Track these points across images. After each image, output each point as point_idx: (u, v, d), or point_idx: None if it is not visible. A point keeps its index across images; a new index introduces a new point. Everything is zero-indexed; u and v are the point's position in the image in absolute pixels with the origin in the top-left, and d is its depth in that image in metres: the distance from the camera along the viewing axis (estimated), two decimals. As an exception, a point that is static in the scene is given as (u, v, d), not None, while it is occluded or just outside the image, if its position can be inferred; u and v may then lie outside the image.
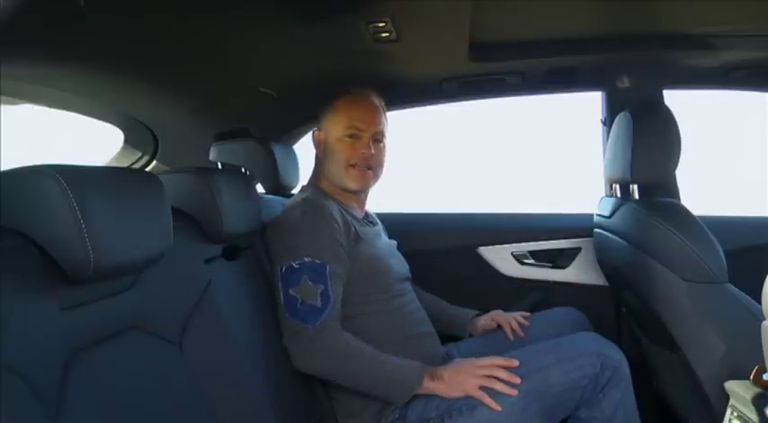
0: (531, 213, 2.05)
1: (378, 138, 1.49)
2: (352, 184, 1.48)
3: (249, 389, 1.07)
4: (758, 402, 1.02)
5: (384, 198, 1.83)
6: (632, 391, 1.30)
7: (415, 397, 1.29)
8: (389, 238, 1.66)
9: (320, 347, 1.28)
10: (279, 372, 1.25)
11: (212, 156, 1.72)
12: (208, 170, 1.24)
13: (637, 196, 1.62)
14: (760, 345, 0.95)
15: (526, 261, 1.94)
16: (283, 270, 1.32)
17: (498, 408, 1.22)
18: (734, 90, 1.87)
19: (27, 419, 0.61)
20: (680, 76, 1.80)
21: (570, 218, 2.00)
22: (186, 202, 1.15)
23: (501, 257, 1.95)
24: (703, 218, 1.35)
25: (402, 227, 1.80)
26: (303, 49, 1.39)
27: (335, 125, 1.48)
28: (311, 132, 1.56)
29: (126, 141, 1.74)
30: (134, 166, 1.78)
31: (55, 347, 0.69)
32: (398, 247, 1.63)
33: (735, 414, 1.09)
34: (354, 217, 1.48)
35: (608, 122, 1.81)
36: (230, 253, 1.28)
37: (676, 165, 1.47)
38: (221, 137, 1.73)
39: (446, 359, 1.42)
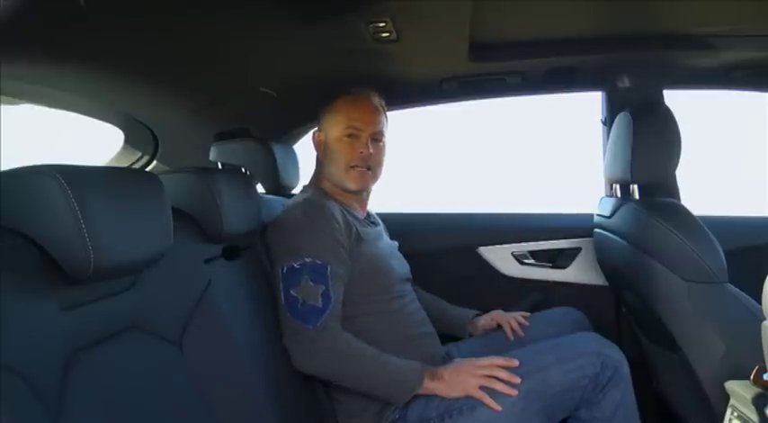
0: (531, 213, 2.05)
1: (377, 137, 1.49)
2: (351, 185, 1.48)
3: (249, 389, 1.07)
4: (758, 402, 1.02)
5: (384, 198, 1.83)
6: (632, 391, 1.30)
7: (416, 397, 1.29)
8: (391, 238, 1.66)
9: (321, 348, 1.28)
10: (279, 372, 1.25)
11: (212, 156, 1.72)
12: (208, 170, 1.24)
13: (637, 196, 1.62)
14: (760, 345, 0.95)
15: (526, 261, 1.94)
16: (284, 270, 1.32)
17: (498, 407, 1.22)
18: (734, 90, 1.87)
19: (27, 419, 0.61)
20: (680, 76, 1.80)
21: (570, 218, 2.00)
22: (186, 202, 1.15)
23: (501, 257, 1.95)
24: (703, 218, 1.35)
25: (402, 227, 1.80)
26: (303, 49, 1.39)
27: (334, 125, 1.48)
28: (311, 133, 1.56)
29: (126, 141, 1.74)
30: (134, 166, 1.78)
31: (55, 347, 0.69)
32: (399, 248, 1.63)
33: (735, 414, 1.09)
34: (356, 217, 1.48)
35: (608, 122, 1.81)
36: (230, 253, 1.28)
37: (676, 165, 1.47)
38: (221, 137, 1.73)
39: (446, 359, 1.42)
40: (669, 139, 1.45)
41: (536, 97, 1.98)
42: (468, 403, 1.25)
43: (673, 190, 1.76)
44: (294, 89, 1.63)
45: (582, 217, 1.92)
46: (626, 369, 1.29)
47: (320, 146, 1.52)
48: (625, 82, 1.80)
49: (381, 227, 1.62)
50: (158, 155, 1.77)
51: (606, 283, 1.87)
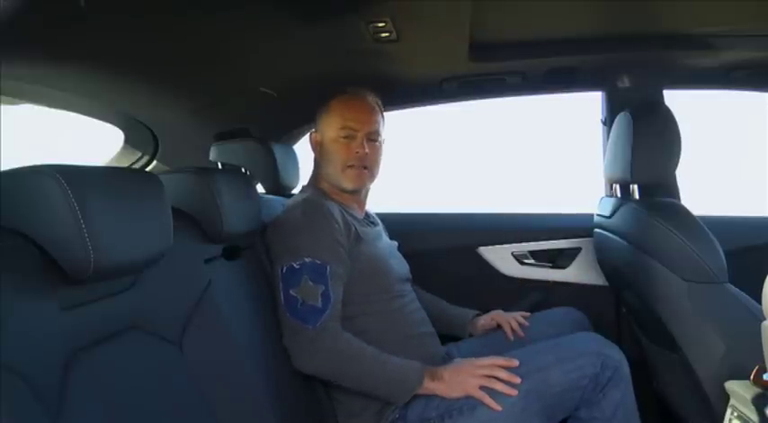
0: (531, 213, 2.05)
1: (373, 137, 1.48)
2: (348, 185, 1.47)
3: (249, 389, 1.07)
4: (758, 402, 1.02)
5: (384, 198, 1.83)
6: (632, 391, 1.30)
7: (416, 397, 1.29)
8: (390, 238, 1.66)
9: (320, 348, 1.28)
10: (279, 372, 1.25)
11: (212, 156, 1.72)
12: (208, 170, 1.24)
13: (637, 196, 1.62)
14: (760, 345, 0.95)
15: (526, 261, 1.94)
16: (284, 270, 1.32)
17: (498, 407, 1.22)
18: (734, 90, 1.87)
19: (27, 419, 0.61)
20: (680, 76, 1.80)
21: (570, 218, 2.00)
22: (186, 202, 1.15)
23: (501, 257, 1.95)
24: (703, 218, 1.35)
25: (402, 227, 1.80)
26: (303, 49, 1.39)
27: (330, 126, 1.48)
28: (309, 134, 1.56)
29: (126, 141, 1.74)
30: (134, 166, 1.78)
31: (55, 347, 0.69)
32: (399, 248, 1.63)
33: (735, 414, 1.09)
34: (355, 217, 1.48)
35: (608, 122, 1.81)
36: (230, 253, 1.28)
37: (676, 165, 1.47)
38: (221, 137, 1.73)
39: (446, 359, 1.42)
40: (669, 139, 1.45)
41: (536, 97, 1.98)
42: (469, 403, 1.25)
43: (673, 190, 1.76)
44: (294, 89, 1.63)
45: (582, 217, 1.92)
46: (626, 369, 1.29)
47: (317, 146, 1.52)
48: (625, 82, 1.80)
49: (380, 227, 1.62)
50: (158, 155, 1.77)
51: (606, 283, 1.87)
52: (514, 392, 1.23)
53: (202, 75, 1.41)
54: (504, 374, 1.24)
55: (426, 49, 1.48)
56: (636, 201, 1.57)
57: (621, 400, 1.28)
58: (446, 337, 1.59)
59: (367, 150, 1.46)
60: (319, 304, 1.29)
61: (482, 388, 1.24)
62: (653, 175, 1.49)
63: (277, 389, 1.19)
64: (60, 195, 0.71)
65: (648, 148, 1.45)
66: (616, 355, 1.29)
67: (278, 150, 1.75)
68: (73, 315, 0.74)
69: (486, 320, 1.63)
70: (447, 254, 1.96)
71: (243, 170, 1.70)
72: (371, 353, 1.29)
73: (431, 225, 2.04)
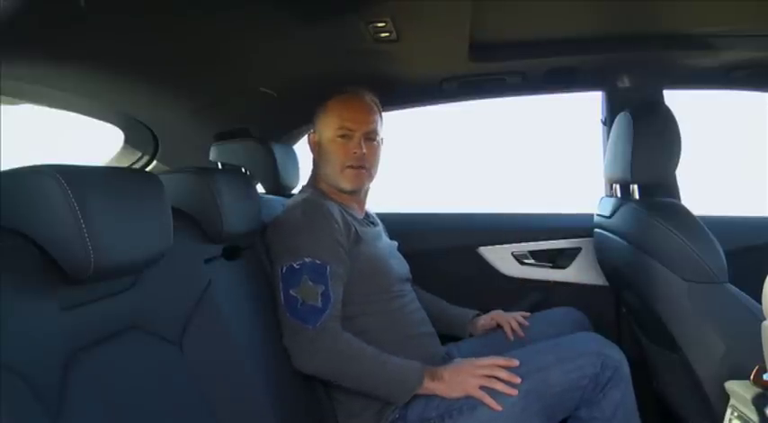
0: (531, 213, 2.05)
1: (371, 136, 1.48)
2: (346, 185, 1.47)
3: (249, 389, 1.07)
4: (758, 402, 1.02)
5: (384, 198, 1.83)
6: (632, 391, 1.30)
7: (416, 397, 1.29)
8: (390, 238, 1.66)
9: (320, 348, 1.28)
10: (279, 372, 1.25)
11: (212, 156, 1.72)
12: (208, 170, 1.24)
13: (637, 196, 1.63)
14: (760, 345, 0.95)
15: (526, 261, 1.94)
16: (284, 270, 1.32)
17: (498, 407, 1.22)
18: (734, 90, 1.87)
19: (27, 419, 0.61)
20: (680, 76, 1.80)
21: (570, 218, 2.00)
22: (186, 202, 1.15)
23: (501, 257, 1.95)
24: (703, 218, 1.35)
25: (402, 227, 1.80)
26: (303, 49, 1.39)
27: (327, 126, 1.48)
28: (307, 135, 1.56)
29: (126, 141, 1.74)
30: (134, 166, 1.78)
31: (55, 347, 0.69)
32: (399, 248, 1.63)
33: (735, 414, 1.09)
34: (354, 217, 1.48)
35: (608, 122, 1.81)
36: (230, 253, 1.28)
37: (676, 165, 1.47)
38: (221, 137, 1.73)
39: (446, 359, 1.42)
40: (669, 139, 1.45)
41: (536, 97, 1.98)
42: (469, 403, 1.25)
43: (673, 190, 1.76)
44: (294, 89, 1.63)
45: (582, 217, 1.92)
46: (626, 369, 1.29)
47: (315, 147, 1.52)
48: (625, 82, 1.80)
49: (380, 227, 1.62)
50: (158, 155, 1.77)
51: (606, 283, 1.87)
52: (514, 392, 1.23)
53: (202, 75, 1.41)
54: (504, 374, 1.24)
55: (426, 49, 1.48)
56: (636, 201, 1.57)
57: (621, 400, 1.28)
58: (446, 337, 1.59)
59: (365, 150, 1.45)
60: (319, 304, 1.29)
61: (482, 388, 1.24)
62: (653, 175, 1.49)
63: (277, 389, 1.19)
64: (60, 195, 0.71)
65: (648, 148, 1.45)
66: (616, 355, 1.29)
67: (278, 150, 1.75)
68: (73, 315, 0.74)
69: (486, 320, 1.63)
70: (447, 254, 1.95)
71: (243, 170, 1.70)
72: (371, 353, 1.29)
73: (431, 225, 2.04)
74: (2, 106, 1.36)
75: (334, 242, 1.34)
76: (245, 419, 1.03)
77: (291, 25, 1.23)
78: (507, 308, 1.68)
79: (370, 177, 1.51)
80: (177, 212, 1.05)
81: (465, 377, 1.26)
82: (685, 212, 1.39)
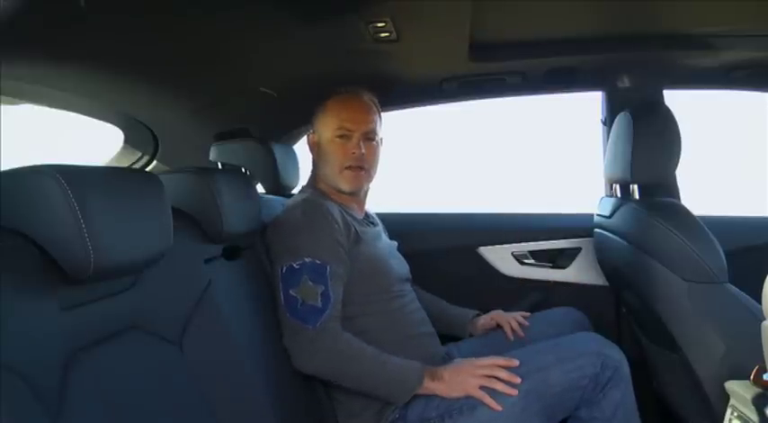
0: (531, 213, 2.05)
1: (369, 136, 1.47)
2: (345, 186, 1.47)
3: (249, 389, 1.07)
4: (758, 402, 1.02)
5: (384, 198, 1.83)
6: (632, 391, 1.30)
7: (416, 397, 1.29)
8: (390, 238, 1.66)
9: (320, 348, 1.28)
10: (279, 372, 1.25)
11: (212, 156, 1.72)
12: (208, 170, 1.24)
13: (637, 196, 1.63)
14: (760, 345, 0.95)
15: (526, 261, 1.94)
16: (284, 270, 1.32)
17: (498, 407, 1.22)
18: (734, 90, 1.87)
19: (27, 419, 0.61)
20: (680, 76, 1.80)
21: (570, 218, 2.00)
22: (186, 202, 1.15)
23: (501, 257, 1.95)
24: (703, 218, 1.35)
25: (402, 227, 1.80)
26: (303, 49, 1.39)
27: (326, 127, 1.48)
28: (306, 135, 1.56)
29: (126, 141, 1.74)
30: (134, 166, 1.78)
31: (55, 347, 0.69)
32: (399, 248, 1.62)
33: (735, 414, 1.09)
34: (354, 217, 1.48)
35: (608, 122, 1.81)
36: (230, 253, 1.28)
37: (676, 165, 1.47)
38: (221, 137, 1.73)
39: (446, 359, 1.42)
40: (669, 139, 1.45)
41: (536, 97, 1.98)
42: (469, 403, 1.25)
43: (673, 190, 1.76)
44: (294, 89, 1.63)
45: (582, 217, 1.92)
46: (626, 369, 1.29)
47: (314, 148, 1.52)
48: (625, 82, 1.80)
49: (380, 227, 1.62)
50: (158, 155, 1.77)
51: (606, 283, 1.87)
52: (514, 392, 1.23)
53: (202, 75, 1.41)
54: (504, 374, 1.24)
55: (426, 49, 1.48)
56: (636, 201, 1.57)
57: (621, 400, 1.28)
58: (446, 337, 1.59)
59: (363, 151, 1.45)
60: (319, 304, 1.29)
61: (482, 388, 1.24)
62: (653, 175, 1.49)
63: (277, 389, 1.19)
64: (60, 195, 0.71)
65: (648, 148, 1.45)
66: (616, 355, 1.29)
67: (278, 150, 1.75)
68: (73, 315, 0.74)
69: (486, 320, 1.63)
70: (447, 254, 1.95)
71: (243, 170, 1.70)
72: (371, 353, 1.29)
73: (431, 225, 2.04)
74: (2, 106, 1.36)
75: (333, 242, 1.34)
76: (245, 419, 1.03)
77: (291, 25, 1.23)
78: (507, 308, 1.68)
79: (370, 178, 1.51)
80: (177, 212, 1.05)
81: (465, 377, 1.26)
82: (685, 212, 1.39)
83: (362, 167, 1.47)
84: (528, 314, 1.62)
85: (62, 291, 0.73)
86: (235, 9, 1.09)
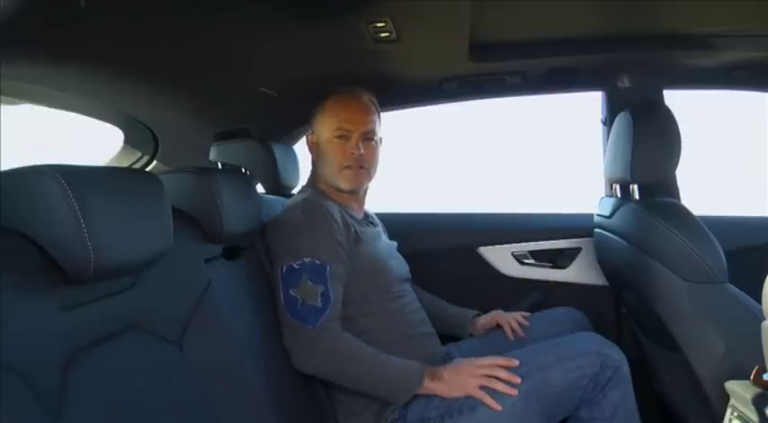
0: (531, 213, 2.05)
1: (368, 136, 1.47)
2: (344, 185, 1.47)
3: (249, 389, 1.07)
4: (758, 402, 1.02)
5: (384, 198, 1.83)
6: (632, 390, 1.30)
7: (416, 397, 1.29)
8: (390, 238, 1.66)
9: (320, 348, 1.28)
10: (279, 372, 1.25)
11: (212, 156, 1.72)
12: (208, 170, 1.24)
13: (637, 196, 1.63)
14: (760, 345, 0.95)
15: (526, 261, 1.94)
16: (284, 270, 1.32)
17: (498, 407, 1.22)
18: (734, 90, 1.87)
19: (27, 419, 0.61)
20: (680, 76, 1.80)
21: (570, 218, 2.00)
22: (186, 202, 1.15)
23: (501, 257, 1.95)
24: (703, 218, 1.35)
25: (402, 227, 1.80)
26: (303, 49, 1.39)
27: (325, 127, 1.48)
28: (305, 136, 1.56)
29: (126, 141, 1.74)
30: (134, 166, 1.78)
31: (55, 347, 0.69)
32: (399, 248, 1.62)
33: (735, 414, 1.09)
34: (354, 217, 1.48)
35: (608, 122, 1.81)
36: (230, 253, 1.28)
37: (676, 165, 1.47)
38: (221, 137, 1.73)
39: (446, 359, 1.42)
40: (669, 139, 1.45)
41: (536, 97, 1.98)
42: (469, 403, 1.25)
43: (673, 190, 1.76)
44: (294, 89, 1.63)
45: (582, 217, 1.92)
46: (626, 369, 1.29)
47: (313, 148, 1.52)
48: (625, 82, 1.80)
49: (380, 227, 1.62)
50: (158, 155, 1.77)
51: (606, 283, 1.87)
52: (514, 392, 1.23)
53: (202, 75, 1.41)
54: (504, 374, 1.24)
55: (426, 49, 1.48)
56: (636, 201, 1.57)
57: (621, 400, 1.28)
58: (446, 337, 1.59)
59: (362, 151, 1.45)
60: (319, 304, 1.29)
61: (482, 388, 1.24)
62: (653, 175, 1.49)
63: (277, 389, 1.19)
64: (60, 195, 0.71)
65: (648, 148, 1.45)
66: (616, 355, 1.29)
67: (278, 150, 1.75)
68: (73, 315, 0.74)
69: (486, 320, 1.63)
70: (447, 254, 1.95)
71: (243, 170, 1.70)
72: (371, 353, 1.29)
73: (431, 225, 2.04)
74: (2, 106, 1.36)
75: (333, 242, 1.34)
76: (245, 419, 1.03)
77: (291, 25, 1.23)
78: (507, 308, 1.68)
79: (369, 177, 1.51)
80: (177, 212, 1.05)
81: (465, 377, 1.26)
82: (685, 212, 1.39)
83: (362, 167, 1.47)
84: (528, 314, 1.62)
85: (62, 291, 0.73)
86: (235, 9, 1.09)
